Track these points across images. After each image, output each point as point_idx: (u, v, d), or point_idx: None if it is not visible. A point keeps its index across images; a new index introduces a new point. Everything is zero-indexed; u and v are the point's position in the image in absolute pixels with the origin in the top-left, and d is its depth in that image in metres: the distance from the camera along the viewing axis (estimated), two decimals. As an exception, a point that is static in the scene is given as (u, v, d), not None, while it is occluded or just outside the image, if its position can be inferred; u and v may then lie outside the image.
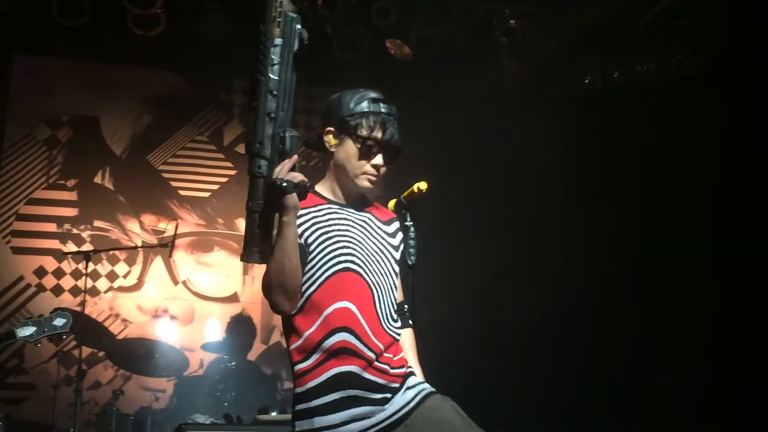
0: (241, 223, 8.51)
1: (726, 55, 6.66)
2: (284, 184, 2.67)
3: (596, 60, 7.62)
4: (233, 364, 7.14)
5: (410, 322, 3.24)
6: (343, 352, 2.84)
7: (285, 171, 2.70)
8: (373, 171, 3.01)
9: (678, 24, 6.89)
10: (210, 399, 7.05)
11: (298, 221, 2.84)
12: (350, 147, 3.00)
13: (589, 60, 7.65)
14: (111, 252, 8.03)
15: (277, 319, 8.24)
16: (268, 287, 2.80)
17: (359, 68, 7.66)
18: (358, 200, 3.14)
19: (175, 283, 8.33)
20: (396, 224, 3.25)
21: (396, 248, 3.16)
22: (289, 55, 2.81)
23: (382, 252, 3.08)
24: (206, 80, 8.72)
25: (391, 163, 3.07)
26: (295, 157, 2.75)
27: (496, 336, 7.18)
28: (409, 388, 2.95)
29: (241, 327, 7.72)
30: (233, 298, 8.39)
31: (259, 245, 2.75)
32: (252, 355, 7.61)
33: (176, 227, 7.49)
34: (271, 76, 2.78)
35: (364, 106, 3.01)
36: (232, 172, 8.75)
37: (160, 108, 8.63)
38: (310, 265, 2.90)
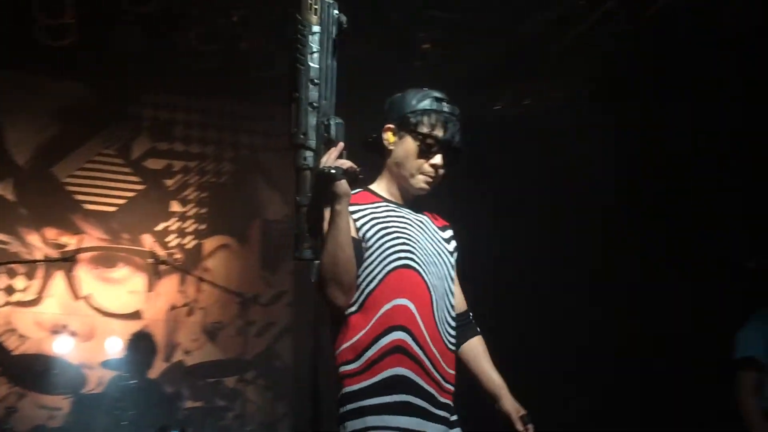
0: (147, 239, 8.34)
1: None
2: (332, 171, 2.61)
3: (507, 86, 7.71)
4: (134, 382, 6.96)
5: (477, 329, 3.19)
6: (398, 351, 2.73)
7: (332, 159, 2.64)
8: (431, 170, 2.94)
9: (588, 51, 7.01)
10: (108, 417, 6.86)
11: (355, 216, 2.81)
12: (409, 144, 2.94)
13: (500, 86, 7.73)
14: (10, 265, 7.76)
15: (181, 337, 8.17)
16: (322, 281, 2.70)
17: (275, 85, 7.60)
18: (413, 203, 3.06)
19: (76, 298, 8.08)
20: (450, 232, 3.15)
21: (451, 254, 3.06)
22: (328, 41, 2.73)
23: (440, 254, 2.97)
24: (116, 93, 8.48)
25: (450, 165, 3.00)
26: (342, 144, 2.69)
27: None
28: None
29: (142, 344, 7.55)
30: (135, 315, 8.17)
31: (309, 241, 2.68)
32: (153, 373, 7.45)
33: (79, 241, 7.31)
34: (311, 64, 2.69)
35: (427, 104, 2.93)
36: (140, 187, 8.52)
37: (66, 120, 8.36)
38: (368, 261, 2.80)
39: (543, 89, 7.62)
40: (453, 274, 3.02)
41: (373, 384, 2.70)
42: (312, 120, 2.68)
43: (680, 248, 6.37)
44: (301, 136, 2.67)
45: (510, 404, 2.98)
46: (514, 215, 7.36)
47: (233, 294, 7.86)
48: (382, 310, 2.74)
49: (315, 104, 2.68)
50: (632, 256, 6.70)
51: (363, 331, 2.74)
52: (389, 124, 3.00)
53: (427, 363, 2.75)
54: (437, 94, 2.97)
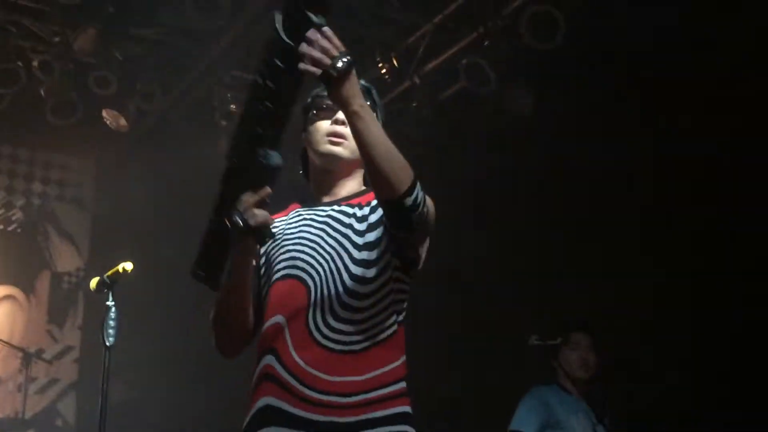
0: None
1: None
2: (239, 223, 2.26)
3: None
4: None
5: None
6: (266, 378, 2.37)
7: (248, 206, 2.26)
8: (334, 128, 2.52)
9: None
10: None
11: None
12: (309, 121, 2.59)
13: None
14: None
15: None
16: (212, 318, 2.48)
17: (73, 134, 7.49)
18: (333, 193, 2.60)
19: None
20: (368, 209, 2.50)
21: (365, 232, 2.45)
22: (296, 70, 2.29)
23: (340, 244, 2.44)
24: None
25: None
26: (267, 191, 2.30)
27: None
28: None
29: None
30: None
31: (204, 267, 2.44)
32: None
33: None
34: (269, 84, 2.27)
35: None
36: None
37: None
38: (262, 283, 2.53)
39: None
40: (359, 255, 2.44)
41: (249, 419, 2.39)
42: (249, 146, 2.32)
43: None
44: (234, 159, 2.38)
45: None
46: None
47: (15, 348, 7.56)
48: (262, 333, 2.46)
49: (259, 129, 2.31)
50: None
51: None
52: (303, 131, 2.65)
53: (294, 383, 2.32)
54: None
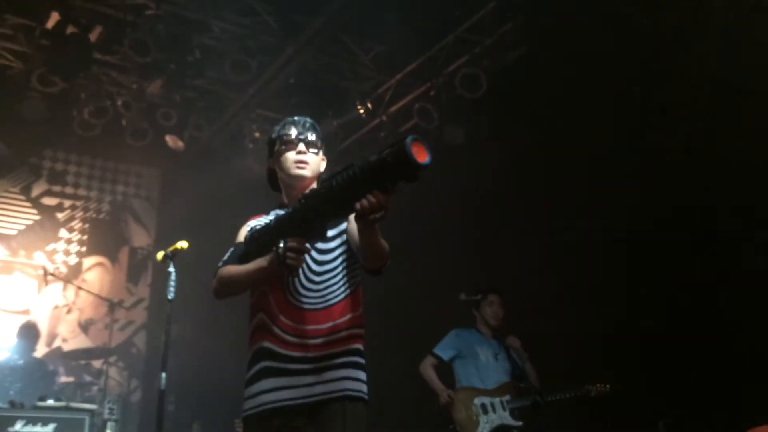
0: (39, 256, 7.86)
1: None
2: (279, 255, 2.18)
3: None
4: (21, 361, 6.43)
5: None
6: (260, 329, 2.42)
7: (290, 244, 2.19)
8: (298, 156, 2.52)
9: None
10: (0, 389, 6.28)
11: (251, 224, 2.55)
12: (278, 151, 2.57)
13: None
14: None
15: (61, 328, 7.70)
16: (220, 280, 2.46)
17: (145, 152, 7.44)
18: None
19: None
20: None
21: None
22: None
23: None
24: (23, 148, 7.99)
25: (317, 153, 2.58)
26: (308, 247, 2.23)
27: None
28: (327, 380, 2.32)
29: (29, 333, 6.97)
30: (25, 312, 7.62)
31: (251, 242, 2.36)
32: (37, 355, 6.90)
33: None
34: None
35: (281, 122, 2.63)
36: (37, 217, 8.04)
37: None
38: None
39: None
40: (319, 245, 2.45)
41: (251, 355, 2.43)
42: (319, 210, 2.17)
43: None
44: (304, 203, 2.21)
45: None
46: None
47: (103, 299, 7.49)
48: (254, 297, 2.50)
49: (331, 208, 2.12)
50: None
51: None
52: (268, 156, 2.66)
53: (278, 331, 2.38)
54: (290, 116, 2.66)
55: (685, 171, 4.65)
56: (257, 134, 7.44)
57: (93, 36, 6.30)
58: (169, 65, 6.46)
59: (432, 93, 6.44)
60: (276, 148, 2.60)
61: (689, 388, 4.64)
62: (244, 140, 7.62)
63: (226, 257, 2.54)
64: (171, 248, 4.11)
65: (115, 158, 8.46)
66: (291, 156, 2.54)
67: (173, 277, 4.03)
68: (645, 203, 5.00)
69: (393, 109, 6.93)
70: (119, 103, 7.19)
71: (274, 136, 2.62)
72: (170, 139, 7.44)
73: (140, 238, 8.59)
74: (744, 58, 4.14)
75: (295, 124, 2.59)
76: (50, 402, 5.50)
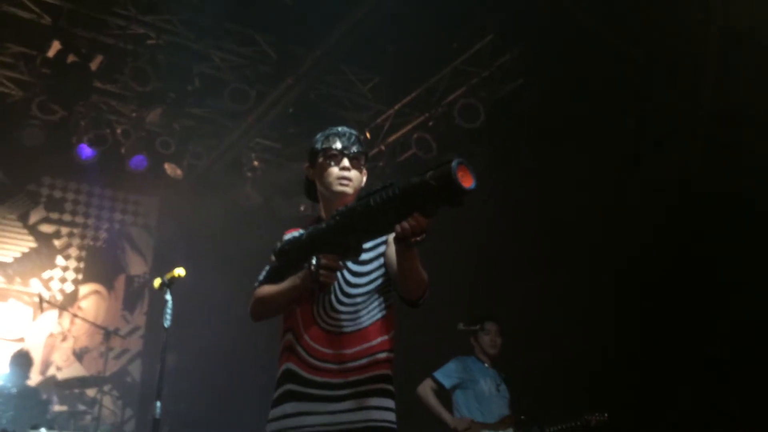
0: (35, 283, 7.82)
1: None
2: (312, 272, 2.09)
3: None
4: (14, 389, 6.37)
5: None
6: (287, 350, 2.34)
7: (324, 263, 2.10)
8: (343, 173, 2.42)
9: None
10: (-9, 417, 6.21)
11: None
12: (321, 164, 2.45)
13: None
14: None
15: (55, 356, 7.64)
16: (257, 300, 2.37)
17: (144, 180, 7.44)
18: None
19: (-27, 325, 7.36)
20: None
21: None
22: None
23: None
24: (22, 175, 7.99)
25: (361, 168, 2.48)
26: (340, 265, 2.13)
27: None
28: (350, 408, 2.23)
29: (22, 360, 6.91)
30: (20, 340, 7.56)
31: (282, 256, 2.23)
32: (30, 383, 6.83)
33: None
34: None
35: (325, 132, 2.50)
36: (33, 245, 8.00)
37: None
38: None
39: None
40: (354, 267, 2.39)
41: (279, 376, 2.35)
42: (357, 228, 2.05)
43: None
44: (338, 221, 2.09)
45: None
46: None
47: (99, 327, 7.43)
48: (285, 317, 2.41)
49: (368, 226, 2.02)
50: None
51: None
52: (306, 165, 2.54)
53: (303, 353, 2.30)
54: (333, 128, 2.53)
55: (677, 204, 4.67)
56: (256, 163, 7.47)
57: (93, 65, 6.35)
58: (168, 94, 6.51)
59: (430, 123, 6.49)
60: (319, 160, 2.47)
61: (682, 418, 4.61)
62: (242, 169, 7.65)
63: (261, 277, 2.45)
64: (168, 275, 4.09)
65: (113, 186, 8.44)
66: (334, 171, 2.43)
67: (170, 305, 4.00)
68: (641, 232, 5.01)
69: (391, 138, 6.97)
70: (118, 131, 7.22)
71: (317, 147, 2.49)
72: (169, 167, 7.47)
73: (137, 266, 8.56)
74: (738, 89, 4.19)
75: (339, 136, 2.47)
76: (43, 431, 5.45)
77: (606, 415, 4.60)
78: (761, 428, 4.00)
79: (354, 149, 2.45)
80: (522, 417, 4.86)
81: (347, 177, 2.43)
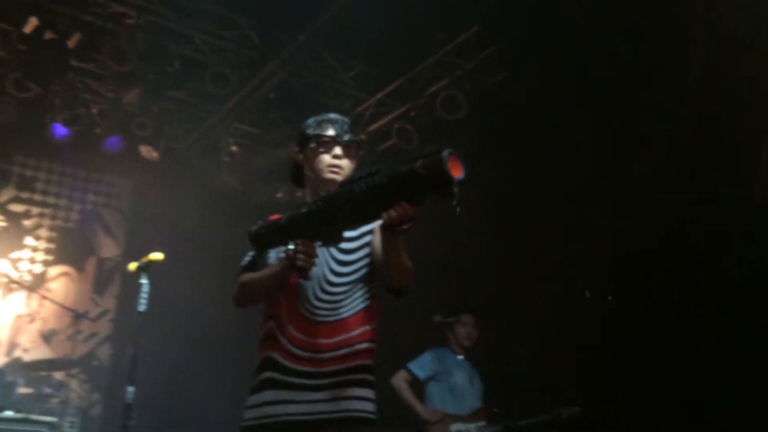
0: (3, 263, 7.66)
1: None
2: (290, 258, 2.08)
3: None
4: (-22, 371, 6.27)
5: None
6: (268, 338, 2.34)
7: (300, 247, 2.09)
8: (334, 162, 2.42)
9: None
10: (-46, 400, 6.09)
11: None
12: (312, 150, 2.45)
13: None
14: None
15: (22, 338, 7.51)
16: (240, 288, 2.39)
17: (118, 161, 7.35)
18: None
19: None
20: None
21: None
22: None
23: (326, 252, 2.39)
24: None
25: (353, 158, 2.47)
26: (316, 251, 2.14)
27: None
28: (330, 398, 2.22)
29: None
30: (-14, 321, 7.44)
31: (258, 239, 2.21)
32: (-4, 366, 6.72)
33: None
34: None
35: (317, 118, 2.51)
36: (3, 224, 7.83)
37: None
38: None
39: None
40: (339, 256, 2.39)
41: (258, 364, 2.36)
42: (338, 213, 2.03)
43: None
44: (320, 206, 2.06)
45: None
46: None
47: (68, 309, 7.32)
48: (267, 304, 2.41)
49: (350, 211, 1.99)
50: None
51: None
52: (295, 149, 2.54)
53: (284, 342, 2.30)
54: (325, 114, 2.55)
55: (663, 199, 4.69)
56: (234, 148, 7.39)
57: (71, 42, 6.22)
58: (147, 75, 6.40)
59: (412, 114, 6.46)
60: (310, 145, 2.46)
61: (661, 414, 4.65)
62: (220, 153, 7.56)
63: (244, 263, 2.46)
64: (145, 259, 4.03)
65: (86, 167, 8.31)
66: (326, 159, 2.43)
67: (146, 288, 3.95)
68: (622, 230, 5.04)
69: (372, 128, 6.93)
70: (94, 111, 7.10)
71: (309, 132, 2.48)
72: (144, 150, 7.36)
73: (109, 248, 8.44)
74: (725, 89, 4.22)
75: (332, 123, 2.47)
76: (9, 413, 5.35)
77: (578, 409, 4.63)
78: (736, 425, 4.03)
79: (347, 137, 2.46)
80: (494, 410, 4.89)
81: (339, 165, 2.43)
